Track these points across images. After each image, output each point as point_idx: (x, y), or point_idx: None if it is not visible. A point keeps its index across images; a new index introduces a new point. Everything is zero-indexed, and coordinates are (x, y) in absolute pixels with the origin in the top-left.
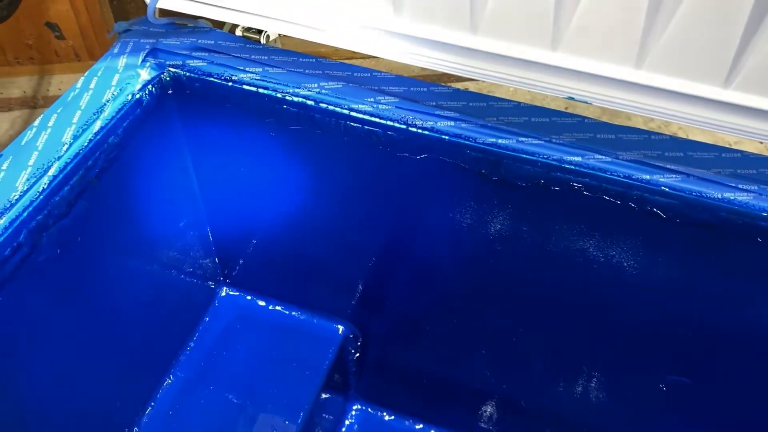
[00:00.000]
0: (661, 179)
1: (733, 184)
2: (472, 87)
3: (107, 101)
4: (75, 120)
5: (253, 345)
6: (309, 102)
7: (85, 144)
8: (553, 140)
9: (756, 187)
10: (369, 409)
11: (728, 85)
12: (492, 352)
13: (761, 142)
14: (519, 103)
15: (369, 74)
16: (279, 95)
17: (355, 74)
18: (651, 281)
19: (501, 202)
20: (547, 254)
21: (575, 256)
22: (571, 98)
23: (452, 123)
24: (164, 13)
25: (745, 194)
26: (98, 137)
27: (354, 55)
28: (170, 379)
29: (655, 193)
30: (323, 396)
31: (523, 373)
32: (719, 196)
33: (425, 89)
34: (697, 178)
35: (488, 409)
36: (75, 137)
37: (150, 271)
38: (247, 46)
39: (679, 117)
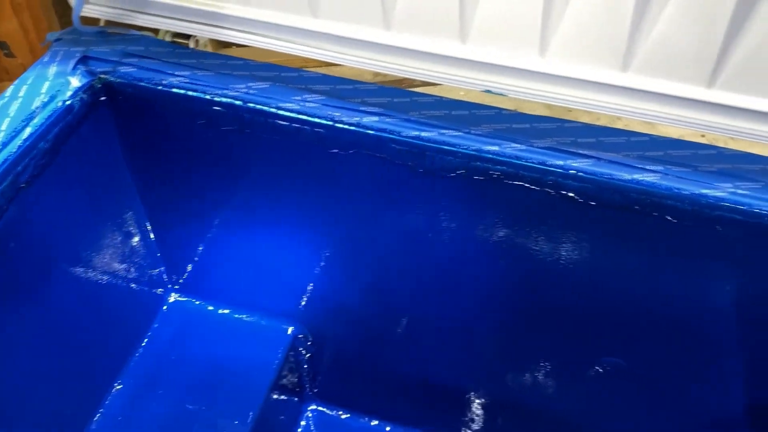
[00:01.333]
0: (573, 164)
1: (641, 166)
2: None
3: (37, 108)
4: (3, 127)
5: (202, 349)
6: (237, 102)
7: (14, 150)
8: (472, 131)
9: (662, 168)
10: (325, 409)
11: (712, 84)
12: (438, 346)
13: (702, 135)
14: (440, 97)
15: (297, 74)
16: (208, 97)
17: (283, 74)
18: (574, 264)
19: (430, 193)
20: (476, 243)
21: (502, 243)
22: (489, 92)
23: (377, 118)
24: (101, 22)
25: (652, 175)
26: (27, 143)
27: (307, 63)
28: (119, 385)
29: (568, 178)
30: (276, 397)
31: (468, 364)
32: (629, 177)
33: (351, 87)
34: (608, 162)
35: (441, 402)
36: (4, 144)
37: (92, 277)
38: (177, 51)
39: (665, 118)
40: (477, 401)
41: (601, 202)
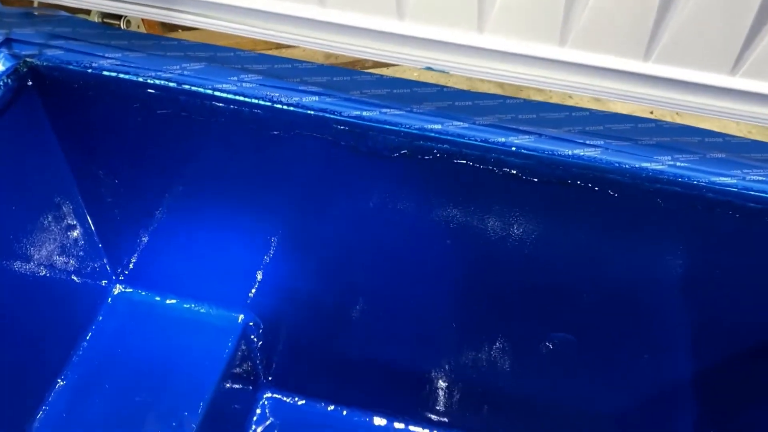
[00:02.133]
0: (515, 140)
1: (582, 141)
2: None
3: None
4: None
5: (150, 341)
6: (171, 84)
7: None
8: (414, 110)
9: (602, 142)
10: (280, 396)
11: (735, 72)
12: (391, 328)
13: (651, 112)
14: (381, 76)
15: (233, 53)
16: (140, 79)
17: (219, 54)
18: (520, 241)
19: (375, 173)
20: (423, 223)
21: (449, 222)
22: (434, 71)
23: (317, 98)
24: (35, 2)
25: (593, 149)
26: None
27: (257, 45)
28: (62, 381)
29: (510, 155)
30: (229, 386)
31: (421, 345)
32: (570, 152)
33: (290, 65)
34: (549, 137)
35: (396, 384)
36: None
37: (27, 271)
38: (107, 32)
39: (687, 106)
40: (432, 382)
41: (543, 178)
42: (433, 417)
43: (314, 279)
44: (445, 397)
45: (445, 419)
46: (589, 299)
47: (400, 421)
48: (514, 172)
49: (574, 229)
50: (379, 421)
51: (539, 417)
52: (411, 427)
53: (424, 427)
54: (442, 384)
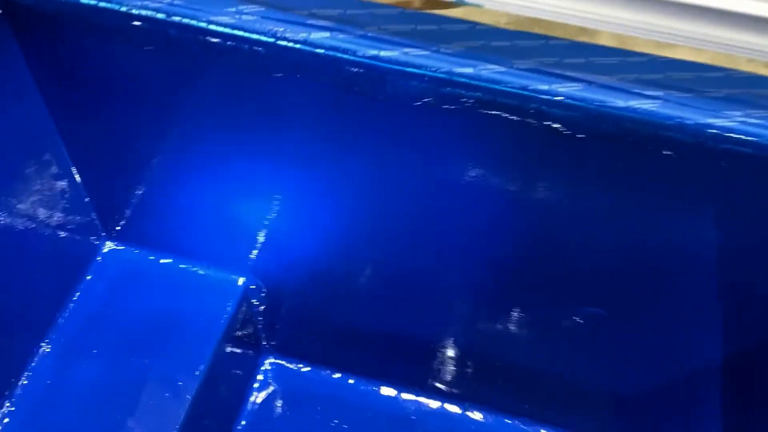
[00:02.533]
0: (559, 89)
1: (638, 91)
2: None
3: None
4: None
5: (142, 303)
6: (159, 15)
7: None
8: (442, 50)
9: (662, 93)
10: (284, 362)
11: None
12: (405, 296)
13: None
14: (403, 9)
15: None
16: (123, 9)
17: None
18: (557, 205)
19: (393, 125)
20: (447, 182)
21: (477, 182)
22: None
23: (327, 34)
24: None
25: (651, 101)
26: None
27: None
28: (47, 345)
29: (553, 105)
30: (229, 350)
31: (436, 315)
32: (623, 104)
33: None
34: (600, 86)
35: (408, 355)
36: None
37: (5, 227)
38: None
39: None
40: (446, 354)
41: (590, 133)
42: (444, 389)
43: (323, 241)
44: (457, 369)
45: (456, 392)
46: (629, 272)
47: (408, 392)
48: (557, 126)
49: (619, 192)
50: (387, 391)
51: (556, 395)
52: (420, 399)
53: (434, 399)
54: (455, 356)
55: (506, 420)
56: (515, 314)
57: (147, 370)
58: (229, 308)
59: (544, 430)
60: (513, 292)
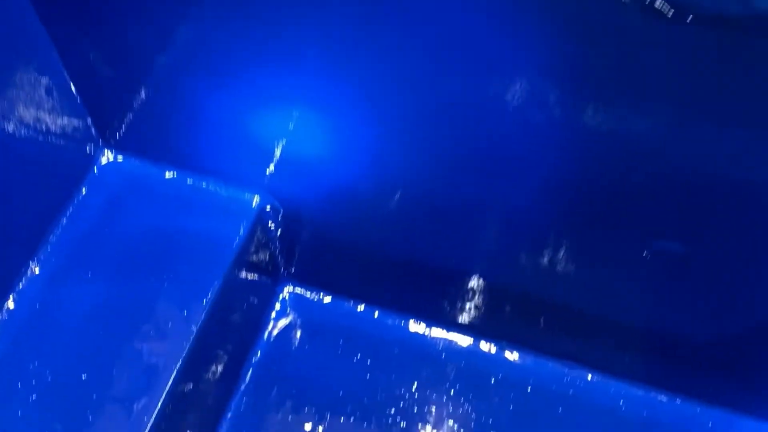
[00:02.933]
0: None
1: None
2: None
3: None
4: None
5: (143, 221)
6: None
7: None
8: None
9: None
10: (304, 291)
11: None
12: (440, 223)
13: None
14: None
15: None
16: None
17: None
18: (640, 115)
19: (435, 20)
20: (503, 79)
21: (542, 76)
22: None
23: None
24: None
25: None
26: None
27: None
28: (36, 266)
29: None
30: (243, 276)
31: (476, 245)
32: None
33: None
34: None
35: (440, 288)
36: None
37: None
38: None
39: None
40: (483, 288)
41: (703, 14)
42: (478, 326)
43: (349, 159)
44: (495, 305)
45: (492, 329)
46: (719, 203)
47: (439, 328)
48: (660, 8)
49: (724, 101)
50: (416, 326)
51: (607, 337)
52: (451, 335)
53: (466, 336)
54: (493, 291)
55: (546, 362)
56: (569, 247)
57: (150, 295)
58: (241, 230)
59: (591, 373)
60: (570, 221)
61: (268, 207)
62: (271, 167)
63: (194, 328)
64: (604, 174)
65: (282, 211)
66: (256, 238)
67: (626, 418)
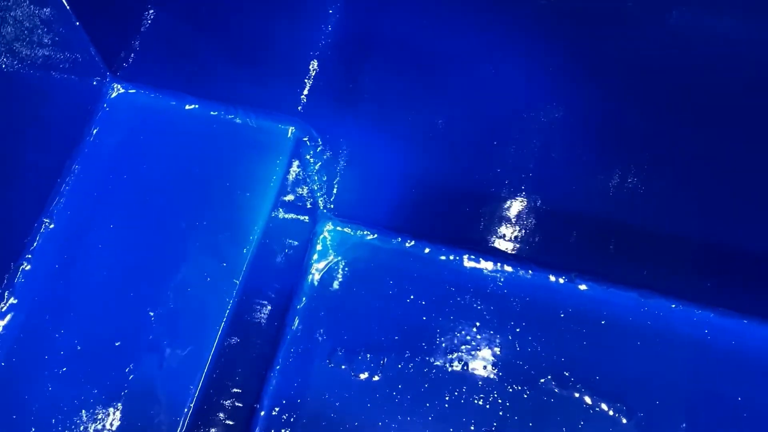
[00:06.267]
0: None
1: None
2: None
3: None
4: None
5: (164, 162)
6: None
7: None
8: None
9: None
10: (345, 229)
11: None
12: (499, 140)
13: None
14: None
15: None
16: None
17: None
18: None
19: None
20: None
21: None
22: None
23: None
24: None
25: None
26: None
27: None
28: (50, 222)
29: None
30: (283, 216)
31: (540, 166)
32: None
33: None
34: None
35: (495, 218)
36: None
37: None
38: None
39: None
40: (546, 217)
41: None
42: (543, 258)
43: (392, 76)
44: (560, 235)
45: (559, 261)
46: None
47: (498, 262)
48: None
49: None
50: (471, 262)
51: (687, 263)
52: (512, 269)
53: (530, 268)
54: (558, 219)
55: (619, 292)
56: (634, 162)
57: (179, 246)
58: (278, 167)
59: (671, 302)
60: (630, 136)
61: (306, 138)
62: (305, 93)
63: (236, 281)
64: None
65: (320, 140)
66: (293, 174)
67: (714, 348)
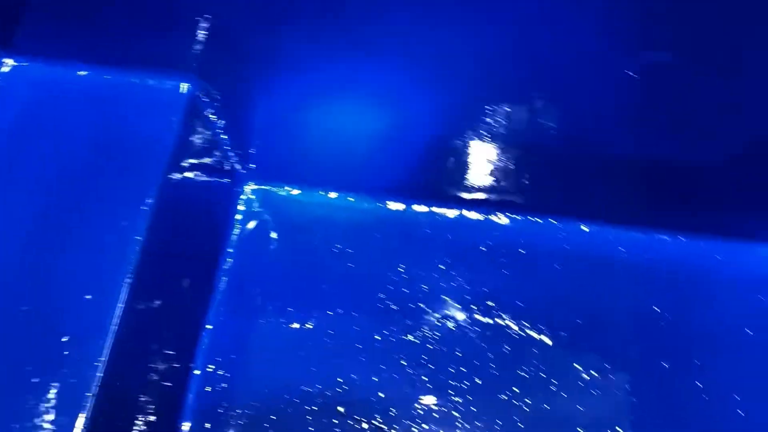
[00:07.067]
0: None
1: None
2: None
3: None
4: None
5: (63, 130)
6: None
7: None
8: None
9: None
10: (269, 187)
11: None
12: (421, 87)
13: None
14: None
15: None
16: None
17: None
18: None
19: None
20: None
21: None
22: None
23: None
24: None
25: None
26: None
27: None
28: None
29: None
30: (192, 176)
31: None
32: None
33: None
34: None
35: (418, 166)
36: None
37: None
38: None
39: None
40: (463, 156)
41: None
42: (463, 198)
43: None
44: (477, 172)
45: (478, 198)
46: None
47: (420, 204)
48: None
49: None
50: (395, 205)
51: (599, 186)
52: (434, 209)
53: (451, 208)
54: (472, 157)
55: (535, 220)
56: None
57: (80, 212)
58: (174, 124)
59: (585, 225)
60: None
61: (202, 94)
62: (198, 45)
63: (139, 238)
64: None
65: (219, 96)
66: (195, 132)
67: (630, 264)
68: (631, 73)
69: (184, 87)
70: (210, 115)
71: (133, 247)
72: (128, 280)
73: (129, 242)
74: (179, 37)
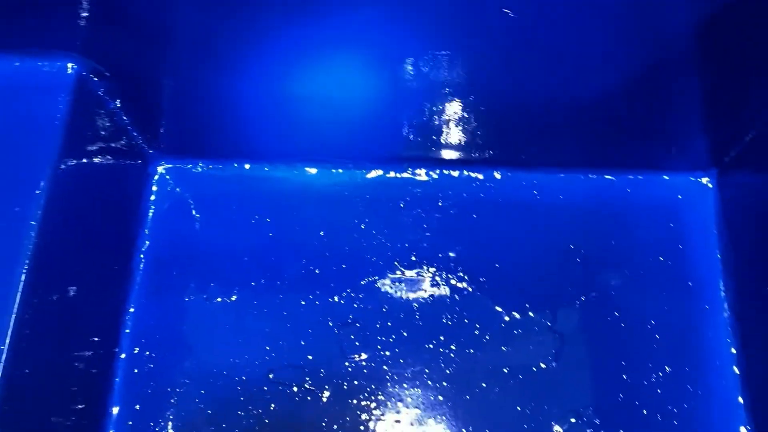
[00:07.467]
0: None
1: None
2: None
3: None
4: None
5: None
6: None
7: None
8: None
9: None
10: (181, 165)
11: None
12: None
13: None
14: None
15: None
16: None
17: None
18: None
19: None
20: None
21: None
22: None
23: None
24: None
25: None
26: None
27: None
28: None
29: None
30: (94, 159)
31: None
32: None
33: None
34: None
35: (331, 128)
36: None
37: None
38: None
39: None
40: (363, 119)
41: None
42: (386, 157)
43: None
44: (384, 131)
45: (398, 156)
46: None
47: (335, 168)
48: None
49: None
50: (310, 169)
51: (507, 132)
52: (351, 170)
53: (372, 169)
54: (384, 118)
55: (451, 171)
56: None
57: None
58: (60, 104)
59: (497, 171)
60: None
61: (92, 74)
62: (82, 20)
63: (33, 223)
64: None
65: (108, 74)
66: (89, 114)
67: (544, 205)
68: (510, 13)
69: (69, 66)
70: (104, 96)
71: (28, 233)
72: (24, 270)
73: (23, 229)
74: (61, 13)
